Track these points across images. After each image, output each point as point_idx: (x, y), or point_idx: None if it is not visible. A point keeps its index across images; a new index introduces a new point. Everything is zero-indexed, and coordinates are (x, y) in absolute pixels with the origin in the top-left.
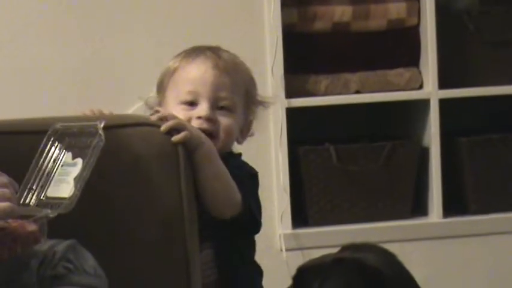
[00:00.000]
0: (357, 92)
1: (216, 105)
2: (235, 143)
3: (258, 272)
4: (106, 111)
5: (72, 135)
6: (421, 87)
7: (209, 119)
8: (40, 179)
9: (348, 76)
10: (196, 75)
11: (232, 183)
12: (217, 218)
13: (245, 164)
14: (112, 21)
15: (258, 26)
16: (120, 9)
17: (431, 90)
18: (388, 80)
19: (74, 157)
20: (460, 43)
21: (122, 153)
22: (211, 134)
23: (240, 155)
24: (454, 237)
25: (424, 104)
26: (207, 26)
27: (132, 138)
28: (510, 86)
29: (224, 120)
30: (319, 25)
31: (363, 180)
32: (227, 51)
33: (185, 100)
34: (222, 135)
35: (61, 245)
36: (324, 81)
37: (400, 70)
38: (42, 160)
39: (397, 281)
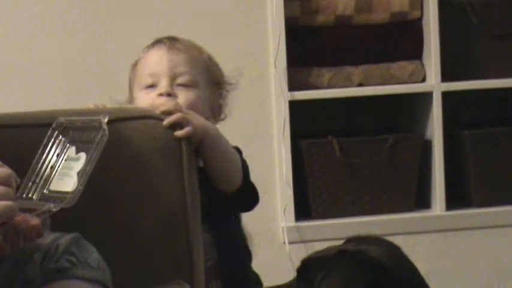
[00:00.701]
0: (360, 84)
1: (175, 82)
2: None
3: (249, 256)
4: (109, 106)
5: (76, 129)
6: (424, 80)
7: (169, 95)
8: (43, 173)
9: (350, 69)
10: (153, 59)
11: (236, 154)
12: (226, 192)
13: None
14: (113, 16)
15: (261, 19)
16: (120, 4)
17: (434, 83)
18: (391, 72)
19: (77, 151)
20: (463, 35)
21: (125, 146)
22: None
23: None
24: (457, 230)
25: (427, 96)
26: (209, 20)
27: (134, 132)
28: None
29: (185, 95)
30: (322, 18)
31: (365, 173)
32: (187, 39)
33: (146, 83)
34: (185, 109)
35: (64, 238)
36: (326, 74)
37: (403, 63)
38: (45, 154)
39: (400, 273)
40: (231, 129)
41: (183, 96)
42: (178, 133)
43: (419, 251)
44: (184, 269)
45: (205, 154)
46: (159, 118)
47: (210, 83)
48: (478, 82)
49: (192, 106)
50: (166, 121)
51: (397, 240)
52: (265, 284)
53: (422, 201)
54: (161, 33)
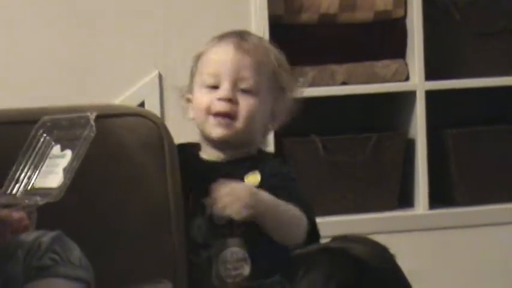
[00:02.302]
0: (343, 83)
1: (237, 86)
2: (266, 132)
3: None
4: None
5: (61, 127)
6: (407, 78)
7: (230, 100)
8: (27, 171)
9: (334, 67)
10: (218, 57)
11: (297, 217)
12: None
13: (281, 167)
14: (102, 11)
15: (244, 17)
16: (108, 2)
17: (417, 82)
18: (374, 71)
19: (62, 149)
20: (447, 34)
21: (108, 143)
22: (230, 116)
23: (272, 155)
24: (440, 229)
25: (411, 95)
26: (192, 17)
27: (118, 129)
28: (497, 77)
29: (245, 102)
30: (306, 16)
31: (349, 172)
32: (257, 36)
33: (208, 83)
34: (242, 116)
35: (47, 236)
36: (310, 72)
37: (386, 62)
38: (30, 153)
39: (382, 271)
40: None
41: (244, 104)
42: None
43: (402, 250)
44: (167, 267)
45: (262, 227)
46: (143, 115)
47: (274, 88)
48: (461, 81)
49: (251, 114)
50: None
51: (380, 239)
52: None
53: (406, 199)
54: (146, 31)
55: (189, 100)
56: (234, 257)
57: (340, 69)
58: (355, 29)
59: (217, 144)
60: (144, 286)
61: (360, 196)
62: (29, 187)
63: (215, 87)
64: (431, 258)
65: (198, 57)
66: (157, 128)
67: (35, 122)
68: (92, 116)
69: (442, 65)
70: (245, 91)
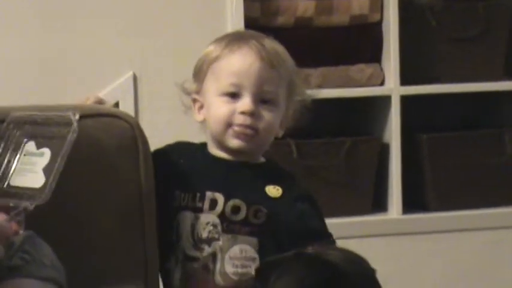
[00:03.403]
0: (319, 87)
1: (259, 99)
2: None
3: None
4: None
5: (34, 123)
6: (382, 83)
7: (252, 114)
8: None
9: (309, 71)
10: (241, 67)
11: None
12: None
13: (299, 186)
14: (77, 11)
15: (220, 19)
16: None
17: (392, 86)
18: (349, 75)
19: (38, 147)
20: (423, 39)
21: (81, 143)
22: (253, 129)
23: (278, 165)
24: (413, 234)
25: (386, 100)
26: (168, 18)
27: (92, 129)
28: (472, 83)
29: (267, 116)
30: (282, 19)
31: (322, 176)
32: (269, 39)
33: (228, 92)
34: (263, 130)
35: (18, 236)
36: None
37: (362, 66)
38: (1, 149)
39: (356, 278)
40: (191, 136)
41: (266, 117)
42: None
43: (375, 255)
44: (139, 269)
45: None
46: (117, 116)
47: (288, 96)
48: (436, 86)
49: (271, 127)
50: None
51: (353, 243)
52: None
53: (379, 204)
54: (121, 32)
55: (195, 101)
56: (244, 255)
57: (315, 73)
58: (331, 32)
59: (232, 151)
60: (116, 287)
61: (334, 200)
62: (5, 185)
63: (235, 95)
64: (403, 263)
65: (211, 60)
66: (132, 128)
67: (3, 121)
68: (75, 116)
69: (417, 69)
70: (266, 102)
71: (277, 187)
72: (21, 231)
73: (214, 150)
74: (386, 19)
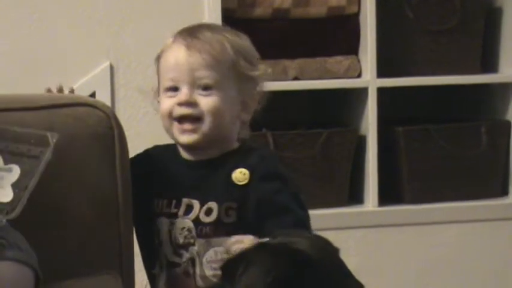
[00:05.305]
0: (296, 78)
1: (196, 87)
2: (239, 122)
3: None
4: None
5: (4, 139)
6: (359, 75)
7: (189, 103)
8: None
9: (286, 62)
10: (173, 60)
11: None
12: None
13: (268, 163)
14: (46, 3)
15: (197, 10)
16: None
17: (369, 78)
18: (326, 67)
19: (5, 162)
20: (400, 31)
21: (58, 132)
22: (194, 118)
23: (257, 146)
24: (389, 226)
25: (362, 92)
26: (145, 9)
27: (67, 118)
28: (449, 75)
29: (206, 100)
30: (259, 11)
31: (298, 167)
32: (212, 27)
33: (168, 87)
34: (207, 116)
35: None
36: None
37: (339, 58)
38: None
39: (325, 264)
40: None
41: (204, 103)
42: None
43: (351, 246)
44: (114, 258)
45: None
46: (93, 105)
47: (237, 78)
48: (413, 79)
49: (215, 111)
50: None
51: (329, 235)
52: None
53: (355, 196)
54: (98, 22)
55: (159, 103)
56: (220, 257)
57: (293, 64)
58: (308, 24)
59: (189, 148)
60: (91, 277)
61: (310, 192)
62: None
63: (176, 89)
64: (379, 255)
65: (157, 59)
66: (108, 118)
67: None
68: (53, 138)
69: (394, 62)
70: (205, 89)
71: (244, 171)
72: None
73: (182, 152)
74: (364, 11)
